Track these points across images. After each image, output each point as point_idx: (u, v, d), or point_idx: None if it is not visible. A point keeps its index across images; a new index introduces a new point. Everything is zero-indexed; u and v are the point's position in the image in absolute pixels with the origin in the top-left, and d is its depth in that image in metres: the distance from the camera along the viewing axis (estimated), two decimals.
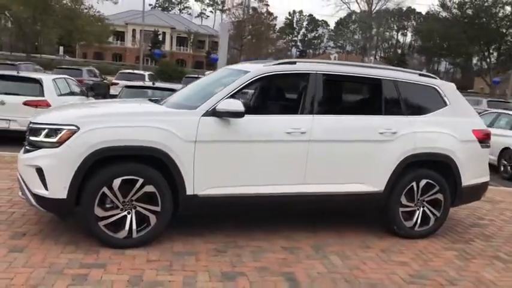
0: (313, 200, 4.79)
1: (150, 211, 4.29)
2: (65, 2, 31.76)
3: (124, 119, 4.29)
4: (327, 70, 4.97)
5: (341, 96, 5.45)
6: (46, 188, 4.08)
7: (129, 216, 4.25)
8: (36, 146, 4.21)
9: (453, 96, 5.41)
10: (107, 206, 4.21)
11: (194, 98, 4.79)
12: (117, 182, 4.14)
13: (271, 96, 5.60)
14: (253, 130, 4.52)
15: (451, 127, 5.20)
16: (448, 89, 5.42)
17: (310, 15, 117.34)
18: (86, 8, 34.43)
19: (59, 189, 4.04)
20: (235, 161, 4.47)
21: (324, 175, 4.76)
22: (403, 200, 5.06)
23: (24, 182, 4.26)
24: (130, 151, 4.17)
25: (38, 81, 9.36)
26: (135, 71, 22.90)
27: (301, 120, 4.69)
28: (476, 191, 5.51)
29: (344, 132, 4.81)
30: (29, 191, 4.19)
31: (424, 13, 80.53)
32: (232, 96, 4.53)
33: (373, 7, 27.32)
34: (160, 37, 72.37)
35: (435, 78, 5.53)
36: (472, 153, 5.31)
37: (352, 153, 4.83)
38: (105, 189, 4.12)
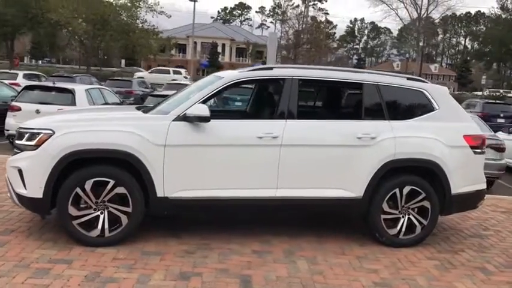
0: (287, 205, 4.79)
1: (121, 212, 4.49)
2: (119, 18, 33.35)
3: (95, 124, 4.55)
4: (304, 75, 4.98)
5: (318, 101, 5.42)
6: (25, 188, 4.40)
7: (101, 216, 4.47)
8: (20, 149, 4.55)
9: (443, 100, 5.22)
10: (81, 206, 4.46)
11: (173, 103, 4.96)
12: (89, 183, 4.38)
13: (245, 101, 5.67)
14: (224, 134, 4.62)
15: (438, 132, 5.02)
16: (438, 93, 5.23)
17: (372, 22, 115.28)
18: (141, 23, 36.07)
19: (35, 188, 4.34)
20: (205, 164, 4.58)
21: (298, 180, 4.75)
22: (385, 207, 4.93)
23: (9, 182, 4.61)
24: (100, 154, 4.40)
25: (71, 92, 9.96)
26: (182, 82, 23.60)
27: (273, 124, 4.73)
28: (470, 200, 5.25)
29: (318, 137, 4.78)
30: (13, 190, 4.53)
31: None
32: (204, 101, 4.66)
33: (422, 12, 26.42)
34: (219, 48, 74.07)
35: (424, 82, 5.36)
36: (463, 160, 5.08)
37: (327, 158, 4.79)
38: (78, 190, 4.37)
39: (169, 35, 71.47)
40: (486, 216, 6.57)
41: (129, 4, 34.44)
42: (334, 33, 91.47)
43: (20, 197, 4.46)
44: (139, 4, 34.69)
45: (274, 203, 4.74)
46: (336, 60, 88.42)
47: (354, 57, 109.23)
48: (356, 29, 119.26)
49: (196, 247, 4.63)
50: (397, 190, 4.92)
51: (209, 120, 4.48)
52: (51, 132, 4.39)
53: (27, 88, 10.41)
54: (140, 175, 4.45)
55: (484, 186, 5.34)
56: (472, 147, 5.14)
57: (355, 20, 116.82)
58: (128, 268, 4.05)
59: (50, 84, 10.44)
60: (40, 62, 70.56)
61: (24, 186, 4.40)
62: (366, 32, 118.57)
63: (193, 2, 44.04)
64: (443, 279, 4.30)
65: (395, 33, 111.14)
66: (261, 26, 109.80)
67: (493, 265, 4.72)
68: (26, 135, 4.49)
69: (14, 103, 9.96)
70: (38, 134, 4.41)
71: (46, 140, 4.36)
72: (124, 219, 4.50)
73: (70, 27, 32.47)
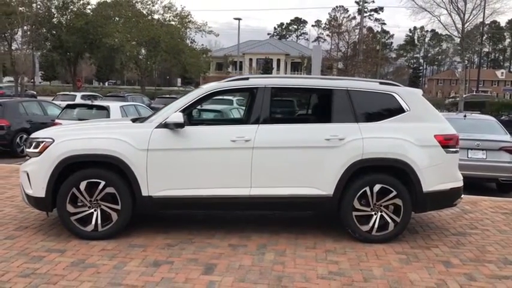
0: (261, 202, 5.21)
1: (112, 209, 5.11)
2: (169, 39, 35.14)
3: (88, 133, 5.23)
4: (277, 84, 5.42)
5: (289, 107, 5.82)
6: (31, 188, 5.14)
7: (95, 213, 5.11)
8: (29, 156, 5.31)
9: (415, 102, 5.45)
10: (78, 204, 5.12)
11: (159, 113, 5.55)
12: (83, 184, 5.04)
13: (222, 109, 6.15)
14: (201, 139, 5.14)
15: (408, 132, 5.25)
16: (409, 95, 5.47)
17: (433, 30, 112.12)
18: (190, 43, 37.81)
19: (39, 189, 5.06)
20: (185, 166, 5.11)
21: (270, 179, 5.16)
22: (356, 204, 5.22)
23: (21, 184, 5.37)
24: (91, 158, 5.06)
25: (106, 109, 10.93)
26: (225, 97, 24.45)
27: (246, 129, 5.19)
28: (445, 197, 5.41)
29: (288, 139, 5.18)
30: (23, 191, 5.29)
31: None
32: (184, 109, 5.22)
33: (466, 17, 25.62)
34: (274, 63, 75.16)
35: (396, 85, 5.61)
36: (435, 159, 5.27)
37: (298, 159, 5.17)
38: (74, 190, 5.05)
39: (226, 53, 73.47)
40: (483, 217, 6.60)
41: (179, 25, 36.31)
42: (391, 43, 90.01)
43: (28, 196, 5.21)
44: (188, 25, 36.44)
45: (249, 200, 5.17)
46: (395, 70, 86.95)
47: (414, 66, 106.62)
48: (416, 37, 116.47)
49: (179, 241, 5.15)
50: (367, 188, 5.20)
51: (183, 126, 5.03)
52: (51, 140, 5.11)
53: (69, 107, 11.51)
54: (127, 176, 5.06)
55: (460, 184, 5.47)
56: (444, 146, 5.31)
57: (415, 28, 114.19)
58: (111, 257, 4.64)
59: (89, 102, 11.48)
60: (107, 84, 74.88)
61: (31, 187, 5.14)
62: (426, 40, 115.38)
63: (246, 20, 45.12)
64: (400, 270, 4.52)
65: (457, 40, 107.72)
66: (317, 39, 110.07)
67: (459, 259, 4.87)
68: (33, 144, 5.24)
69: (56, 120, 11.06)
70: (42, 142, 5.15)
71: (48, 147, 5.09)
72: (114, 216, 5.11)
73: (124, 50, 34.69)
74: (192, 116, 5.73)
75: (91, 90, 43.66)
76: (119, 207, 5.10)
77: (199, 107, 6.41)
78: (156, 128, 5.13)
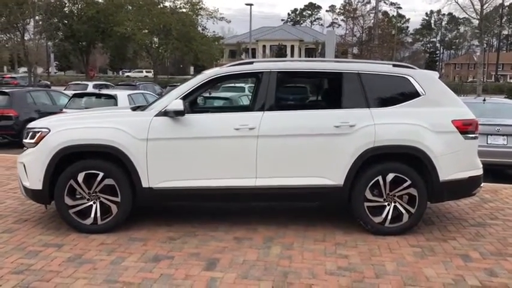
0: (267, 194, 4.95)
1: (111, 201, 4.89)
2: (180, 27, 34.78)
3: (85, 122, 5.00)
4: (283, 68, 5.12)
5: (296, 92, 5.51)
6: (28, 180, 4.95)
7: (94, 206, 4.91)
8: (26, 146, 5.11)
9: (431, 85, 5.10)
10: (76, 196, 4.92)
11: (159, 101, 5.29)
12: (81, 176, 4.83)
13: (231, 96, 5.86)
14: (203, 127, 4.88)
15: (423, 118, 4.92)
16: (424, 78, 5.13)
17: (450, 13, 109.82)
18: (202, 30, 37.41)
19: (35, 181, 4.87)
20: (186, 156, 4.87)
21: (276, 169, 4.89)
22: (368, 195, 4.93)
23: (19, 176, 5.19)
24: (88, 148, 4.84)
25: (113, 97, 10.74)
26: (237, 84, 24.16)
27: (250, 116, 4.91)
28: (463, 187, 5.08)
29: (295, 127, 4.89)
30: (21, 183, 5.10)
31: None
32: (185, 97, 4.96)
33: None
34: (288, 50, 74.46)
35: (411, 67, 5.27)
36: (452, 145, 4.94)
37: (305, 147, 4.88)
38: (72, 182, 4.84)
39: (239, 40, 72.93)
40: (504, 206, 6.25)
41: (190, 12, 35.92)
42: (407, 27, 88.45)
43: (25, 189, 5.02)
44: (199, 12, 36.05)
45: (254, 191, 4.91)
46: (411, 55, 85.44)
47: (430, 51, 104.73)
48: (432, 21, 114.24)
49: (182, 234, 4.92)
50: (379, 177, 4.90)
51: (184, 114, 4.77)
52: (47, 130, 4.89)
53: (76, 96, 11.35)
54: (126, 167, 4.83)
55: (479, 172, 5.14)
56: (462, 132, 4.98)
57: (431, 12, 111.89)
58: (109, 252, 4.43)
59: (96, 91, 11.29)
60: (121, 73, 75.02)
61: (27, 179, 4.95)
62: (443, 23, 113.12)
63: (259, 7, 44.55)
64: (415, 265, 4.24)
65: (475, 22, 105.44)
66: (332, 24, 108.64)
67: (478, 252, 4.56)
68: (30, 134, 5.03)
69: (64, 110, 10.89)
70: (38, 132, 4.94)
71: (44, 137, 4.87)
72: (114, 208, 4.89)
73: (136, 38, 34.50)
74: (195, 104, 5.48)
75: (105, 79, 43.72)
76: (118, 199, 4.88)
77: (204, 94, 6.14)
78: (155, 116, 4.88)
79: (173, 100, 4.86)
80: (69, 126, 4.92)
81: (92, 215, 4.89)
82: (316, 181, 4.91)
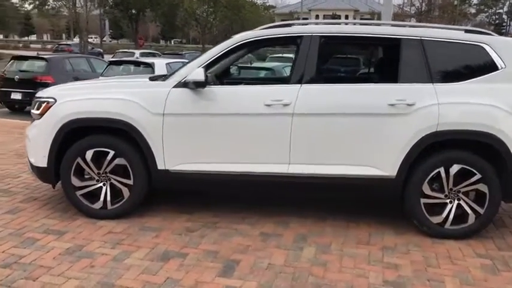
0: (301, 183, 4.15)
1: (123, 184, 4.27)
2: None
3: (94, 92, 4.35)
4: (327, 31, 4.22)
5: (342, 62, 4.61)
6: (33, 156, 4.40)
7: (104, 188, 4.30)
8: (33, 118, 4.55)
9: None
10: (85, 176, 4.33)
11: (184, 68, 4.55)
12: (89, 154, 4.22)
13: (274, 67, 5.02)
14: (228, 102, 4.12)
15: (501, 97, 3.94)
16: (505, 47, 4.10)
17: None
18: None
19: (40, 158, 4.31)
20: (208, 135, 4.14)
21: (313, 154, 4.08)
22: (426, 190, 4.04)
23: (26, 151, 4.65)
24: (96, 122, 4.20)
25: (150, 65, 10.15)
26: (285, 55, 23.18)
27: (284, 90, 4.10)
28: None
29: (338, 104, 4.03)
30: (28, 159, 4.56)
31: None
32: (208, 65, 4.20)
33: None
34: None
35: (488, 34, 4.24)
36: None
37: (350, 129, 4.03)
38: (79, 160, 4.24)
39: (292, 10, 71.09)
40: None
41: None
42: None
43: (31, 165, 4.48)
44: None
45: (287, 180, 4.13)
46: (474, 27, 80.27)
47: (496, 22, 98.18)
48: None
49: (201, 225, 4.25)
50: (441, 169, 3.98)
51: (204, 86, 4.02)
52: (53, 100, 4.29)
53: (113, 63, 10.85)
54: (139, 146, 4.17)
55: None
56: None
57: None
58: (114, 244, 3.82)
59: (133, 59, 10.74)
60: (173, 42, 75.31)
61: (33, 154, 4.40)
62: None
63: None
64: (484, 284, 3.36)
65: None
66: None
67: None
68: (36, 105, 4.46)
69: (100, 77, 10.43)
70: (43, 102, 4.35)
71: (49, 108, 4.28)
72: (126, 192, 4.27)
73: (184, 6, 33.83)
74: (221, 74, 4.71)
75: (155, 48, 43.64)
76: (131, 182, 4.24)
77: (235, 62, 5.36)
78: (174, 87, 4.16)
79: (195, 69, 4.11)
80: (76, 97, 4.29)
81: (102, 198, 4.29)
82: (362, 171, 4.06)
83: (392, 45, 4.16)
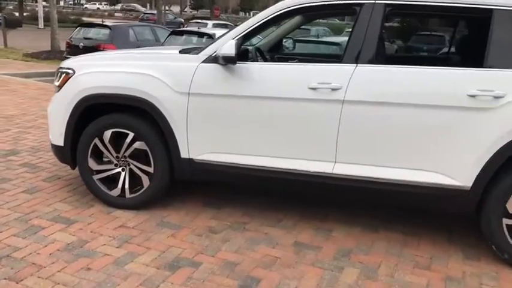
0: (348, 186, 3.37)
1: (143, 171, 3.74)
2: None
3: (114, 64, 3.79)
4: None
5: (410, 39, 3.71)
6: (51, 133, 3.99)
7: (122, 174, 3.80)
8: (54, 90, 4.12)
9: None
10: (103, 160, 3.85)
11: (218, 40, 3.88)
12: (107, 134, 3.71)
13: (300, 39, 4.17)
14: (263, 83, 3.41)
15: None
16: None
17: None
18: None
19: (56, 135, 3.88)
20: (238, 122, 3.47)
21: (365, 152, 3.29)
22: (511, 208, 3.12)
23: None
24: (112, 99, 3.66)
25: (211, 36, 9.62)
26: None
27: (335, 70, 3.31)
28: None
29: (401, 92, 3.18)
30: (49, 135, 4.17)
31: None
32: (244, 37, 3.49)
33: None
34: None
35: None
36: None
37: (416, 125, 3.17)
38: (96, 141, 3.76)
39: None
40: None
41: None
42: None
43: (51, 144, 4.08)
44: None
45: (330, 181, 3.38)
46: None
47: None
48: None
49: (227, 226, 3.64)
50: None
51: (235, 62, 3.32)
52: (72, 72, 3.81)
53: (175, 33, 10.44)
54: (161, 129, 3.60)
55: None
56: None
57: None
58: (122, 242, 3.30)
59: (194, 29, 10.28)
60: (251, 14, 74.78)
61: (50, 131, 3.99)
62: None
63: None
64: None
65: None
66: None
67: None
68: (58, 75, 4.01)
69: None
70: (63, 73, 3.89)
71: (67, 80, 3.81)
72: (145, 181, 3.74)
73: None
74: (269, 48, 3.98)
75: (233, 20, 43.34)
76: (151, 169, 3.70)
77: (284, 35, 4.59)
78: (203, 62, 3.51)
79: (228, 41, 3.41)
80: (96, 69, 3.77)
81: (120, 185, 3.80)
82: (428, 177, 3.21)
83: (477, 18, 3.22)
